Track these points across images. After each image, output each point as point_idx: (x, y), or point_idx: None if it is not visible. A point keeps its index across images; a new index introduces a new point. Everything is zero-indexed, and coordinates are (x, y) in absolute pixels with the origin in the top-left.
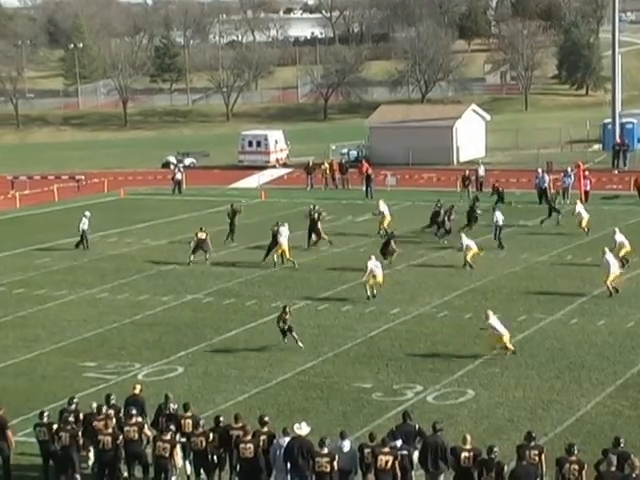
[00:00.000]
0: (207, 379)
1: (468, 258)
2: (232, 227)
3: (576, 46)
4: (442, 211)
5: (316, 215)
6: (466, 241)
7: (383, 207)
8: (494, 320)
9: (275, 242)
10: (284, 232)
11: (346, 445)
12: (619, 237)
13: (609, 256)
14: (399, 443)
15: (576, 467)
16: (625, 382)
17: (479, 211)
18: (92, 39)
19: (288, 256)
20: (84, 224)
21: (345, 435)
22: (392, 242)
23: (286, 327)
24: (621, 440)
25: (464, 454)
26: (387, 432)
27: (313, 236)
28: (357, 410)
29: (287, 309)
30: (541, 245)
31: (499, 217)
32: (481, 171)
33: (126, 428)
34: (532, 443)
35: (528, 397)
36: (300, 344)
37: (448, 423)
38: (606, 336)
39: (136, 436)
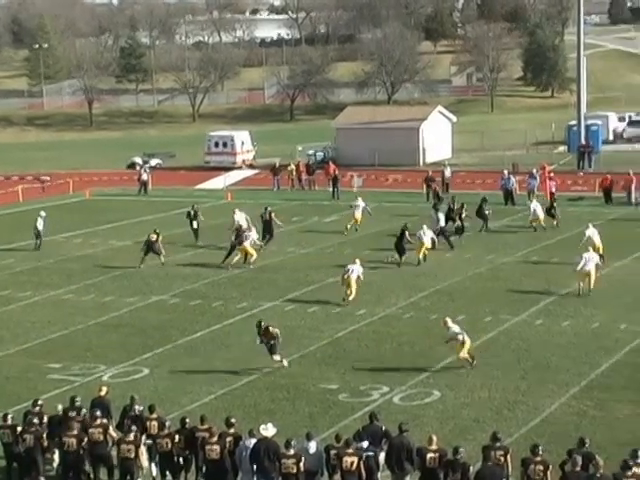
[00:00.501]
0: (173, 380)
1: (420, 253)
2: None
3: (541, 48)
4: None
5: (268, 215)
6: (420, 233)
7: (360, 203)
8: (454, 327)
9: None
10: (252, 236)
11: (312, 446)
12: (589, 231)
13: (587, 254)
14: (365, 444)
15: (541, 467)
16: (590, 383)
17: (489, 211)
18: (57, 39)
19: (252, 260)
20: (39, 224)
21: (311, 436)
22: (406, 234)
23: (272, 343)
24: (586, 441)
25: (430, 455)
26: (353, 433)
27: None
28: (323, 411)
29: (263, 323)
30: (507, 246)
31: (441, 218)
32: (447, 172)
33: (91, 430)
34: (497, 444)
35: (493, 398)
36: (285, 363)
37: (414, 424)
38: (571, 337)
39: (101, 437)
